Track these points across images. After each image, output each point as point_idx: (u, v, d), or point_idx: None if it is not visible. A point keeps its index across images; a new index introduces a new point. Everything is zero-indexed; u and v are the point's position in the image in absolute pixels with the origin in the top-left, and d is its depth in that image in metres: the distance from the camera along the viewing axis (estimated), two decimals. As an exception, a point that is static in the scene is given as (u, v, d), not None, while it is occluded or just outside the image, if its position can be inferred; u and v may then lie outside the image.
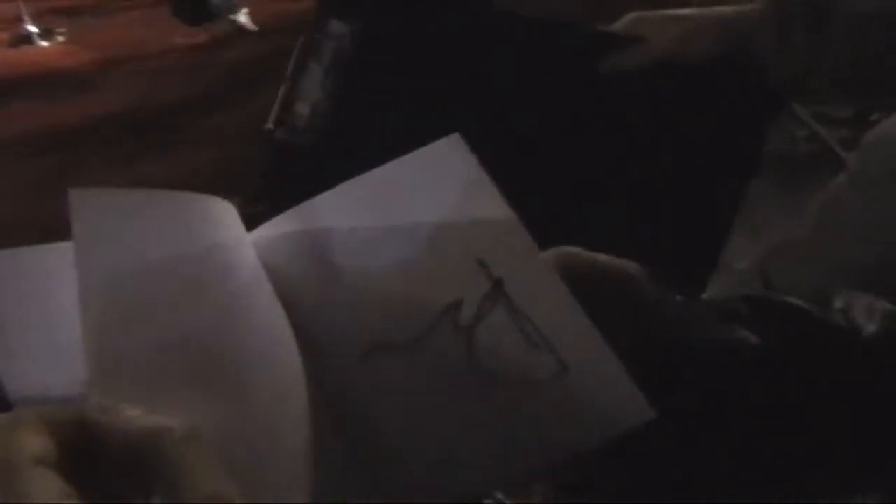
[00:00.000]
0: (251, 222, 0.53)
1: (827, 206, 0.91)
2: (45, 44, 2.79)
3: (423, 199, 0.50)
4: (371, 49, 0.86)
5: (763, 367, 0.52)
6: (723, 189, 0.87)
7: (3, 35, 2.84)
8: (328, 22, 0.86)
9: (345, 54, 0.86)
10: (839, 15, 0.80)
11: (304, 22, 0.93)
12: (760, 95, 0.86)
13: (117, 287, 0.41)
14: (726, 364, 0.52)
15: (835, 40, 0.80)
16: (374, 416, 0.45)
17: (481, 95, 0.86)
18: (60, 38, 2.79)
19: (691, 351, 0.52)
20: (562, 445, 0.44)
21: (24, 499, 0.29)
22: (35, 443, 0.31)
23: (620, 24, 0.88)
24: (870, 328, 0.53)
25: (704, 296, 0.85)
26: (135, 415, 0.33)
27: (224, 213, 0.48)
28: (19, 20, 2.76)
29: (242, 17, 2.77)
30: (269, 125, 0.86)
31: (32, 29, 2.81)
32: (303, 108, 0.86)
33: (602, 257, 0.53)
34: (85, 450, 0.32)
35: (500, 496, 0.58)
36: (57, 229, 0.46)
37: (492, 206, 0.49)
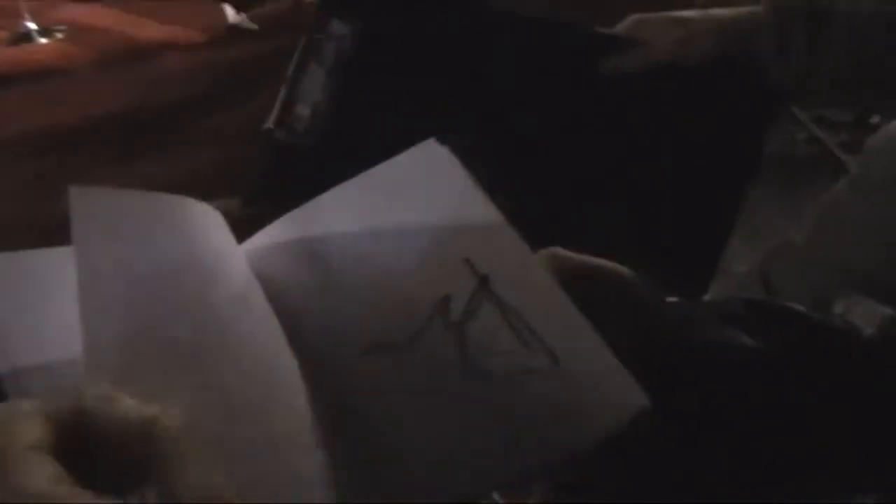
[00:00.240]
0: (249, 224, 0.53)
1: (828, 210, 0.91)
2: (44, 41, 2.78)
3: (409, 202, 0.51)
4: (371, 49, 0.86)
5: (763, 368, 0.52)
6: (723, 191, 0.87)
7: (2, 33, 2.82)
8: (328, 22, 0.86)
9: (345, 55, 0.85)
10: (839, 16, 0.80)
11: (305, 23, 0.93)
12: (761, 97, 0.86)
13: (115, 281, 0.41)
14: (726, 365, 0.52)
15: (835, 42, 0.80)
16: (373, 417, 0.45)
17: (481, 96, 0.86)
18: (60, 36, 2.78)
19: (690, 352, 0.52)
20: (560, 441, 0.44)
21: (18, 483, 0.29)
22: (32, 431, 0.31)
23: (622, 27, 0.88)
24: (868, 331, 0.54)
25: (706, 298, 0.85)
26: (131, 405, 0.33)
27: (215, 220, 0.49)
28: (18, 17, 2.74)
29: (241, 17, 2.77)
30: (269, 125, 0.86)
31: (32, 26, 2.80)
32: (303, 110, 0.86)
33: (590, 259, 0.53)
34: (82, 439, 0.32)
35: (497, 497, 0.58)
36: (56, 230, 0.46)
37: (477, 207, 0.50)
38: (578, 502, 0.53)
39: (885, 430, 0.52)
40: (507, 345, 0.46)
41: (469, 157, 0.53)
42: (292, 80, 0.86)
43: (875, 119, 1.82)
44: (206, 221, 0.48)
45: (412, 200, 0.51)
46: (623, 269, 0.53)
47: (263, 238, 0.52)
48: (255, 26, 2.80)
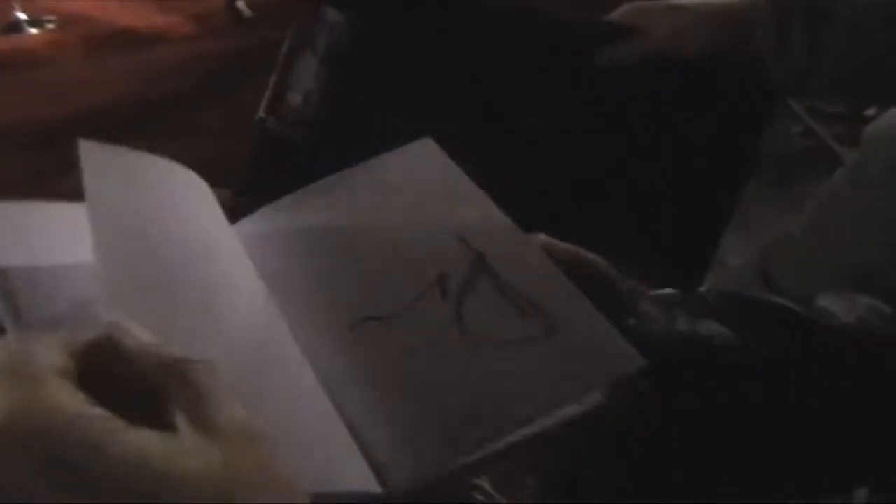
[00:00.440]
0: (241, 214, 0.54)
1: (827, 203, 0.91)
2: (34, 31, 2.76)
3: (401, 189, 0.54)
4: (368, 45, 0.85)
5: (734, 358, 0.52)
6: (720, 188, 0.87)
7: (-7, 24, 2.79)
8: (323, 9, 0.85)
9: (341, 47, 0.85)
10: (839, 15, 0.79)
11: (298, 13, 0.92)
12: (759, 95, 0.86)
13: (126, 226, 0.45)
14: (694, 355, 0.52)
15: (835, 41, 0.79)
16: (366, 383, 0.46)
17: (476, 94, 0.85)
18: (51, 27, 2.76)
19: (657, 342, 0.51)
20: (558, 396, 0.46)
21: (54, 404, 0.29)
22: (56, 357, 0.31)
23: (619, 13, 0.87)
24: (845, 320, 0.55)
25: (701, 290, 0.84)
26: (153, 342, 0.34)
27: (207, 191, 0.52)
28: (9, 7, 2.72)
29: (238, 3, 2.76)
30: (261, 114, 0.86)
31: (22, 16, 2.77)
32: (294, 98, 0.85)
33: (571, 246, 0.54)
34: (98, 371, 0.32)
35: (495, 496, 0.57)
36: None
37: (468, 193, 0.53)
38: (572, 502, 0.53)
39: (884, 430, 0.52)
40: (505, 316, 0.48)
41: (460, 155, 0.54)
42: (283, 67, 0.85)
43: (871, 112, 1.81)
44: (201, 189, 0.52)
45: (404, 188, 0.54)
46: (600, 260, 0.54)
47: (253, 221, 0.54)
48: (249, 12, 2.79)
